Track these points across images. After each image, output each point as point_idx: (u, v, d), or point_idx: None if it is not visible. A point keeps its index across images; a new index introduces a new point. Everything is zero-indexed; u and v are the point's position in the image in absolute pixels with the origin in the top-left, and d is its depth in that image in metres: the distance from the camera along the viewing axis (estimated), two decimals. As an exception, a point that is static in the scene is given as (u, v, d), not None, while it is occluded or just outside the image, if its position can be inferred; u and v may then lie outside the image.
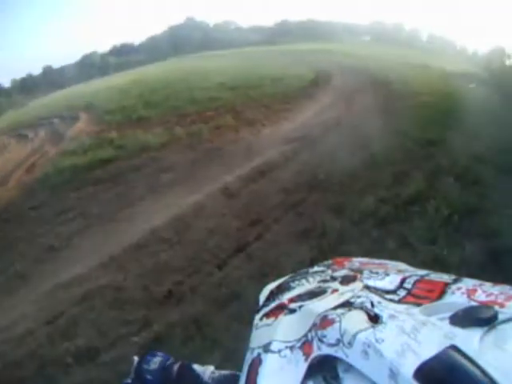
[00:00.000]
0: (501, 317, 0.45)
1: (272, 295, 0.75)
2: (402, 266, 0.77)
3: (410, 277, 0.62)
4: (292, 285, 0.75)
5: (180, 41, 27.08)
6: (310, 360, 0.52)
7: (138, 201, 5.02)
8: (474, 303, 0.49)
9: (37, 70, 29.27)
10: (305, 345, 0.54)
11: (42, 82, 25.83)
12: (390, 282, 0.62)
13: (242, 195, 4.37)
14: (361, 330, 0.49)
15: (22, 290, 4.44)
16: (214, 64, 13.95)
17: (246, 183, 4.59)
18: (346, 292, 0.62)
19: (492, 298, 0.50)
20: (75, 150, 7.66)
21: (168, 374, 1.00)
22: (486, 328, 0.43)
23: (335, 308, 0.57)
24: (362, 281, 0.65)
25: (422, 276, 0.62)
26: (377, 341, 0.46)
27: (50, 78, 26.41)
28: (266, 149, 5.64)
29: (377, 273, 0.68)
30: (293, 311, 0.63)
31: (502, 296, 0.49)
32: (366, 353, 0.45)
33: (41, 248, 4.90)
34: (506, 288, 0.52)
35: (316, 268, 0.84)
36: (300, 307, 0.63)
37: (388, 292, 0.59)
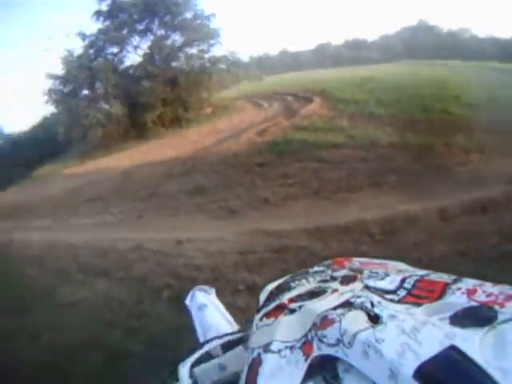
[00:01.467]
0: (501, 317, 0.43)
1: (272, 295, 0.74)
2: (402, 266, 0.74)
3: (410, 277, 0.60)
4: (292, 285, 0.74)
5: (412, 43, 25.75)
6: (309, 360, 0.52)
7: (355, 189, 5.24)
8: (473, 303, 0.48)
9: (273, 52, 32.46)
10: (305, 345, 0.54)
11: (277, 63, 28.10)
12: (390, 282, 0.61)
13: (457, 223, 3.96)
14: (361, 330, 0.48)
15: (229, 221, 5.51)
16: (447, 74, 12.45)
17: (464, 211, 4.15)
18: (346, 292, 0.61)
19: (492, 298, 0.48)
20: (306, 127, 8.17)
21: None
22: (486, 328, 0.42)
23: (335, 308, 0.56)
24: (362, 281, 0.63)
25: (422, 276, 0.60)
26: (377, 341, 0.46)
27: (285, 61, 28.45)
28: (494, 181, 4.99)
29: (377, 273, 0.66)
30: (293, 311, 0.63)
31: (502, 296, 0.47)
32: (366, 353, 0.45)
33: (256, 197, 5.91)
34: (506, 288, 0.50)
35: (316, 268, 0.83)
36: (300, 307, 0.62)
37: (388, 292, 0.58)
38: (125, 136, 14.02)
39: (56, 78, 14.45)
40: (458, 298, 0.51)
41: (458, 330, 0.44)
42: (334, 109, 9.39)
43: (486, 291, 0.50)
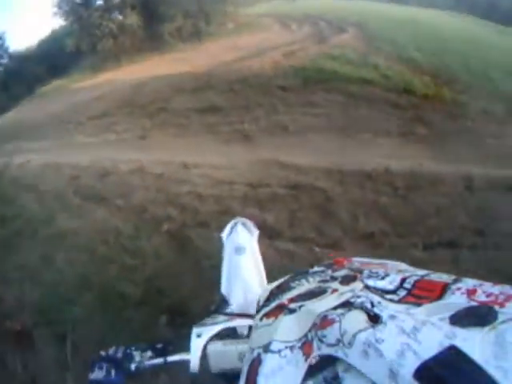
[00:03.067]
0: (501, 317, 0.42)
1: (272, 295, 0.73)
2: (402, 266, 0.71)
3: (410, 277, 0.59)
4: (292, 285, 0.73)
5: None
6: (309, 360, 0.51)
7: (383, 134, 4.85)
8: (473, 303, 0.47)
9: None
10: (305, 345, 0.53)
11: None
12: (389, 282, 0.59)
13: (481, 197, 3.68)
14: (361, 330, 0.47)
15: (242, 146, 5.13)
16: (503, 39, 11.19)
17: (490, 187, 3.81)
18: (345, 292, 0.60)
19: (492, 298, 0.46)
20: (338, 57, 7.62)
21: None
22: (486, 328, 0.41)
23: (335, 308, 0.55)
24: (362, 281, 0.62)
25: (422, 276, 0.58)
26: (377, 341, 0.45)
27: None
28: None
29: (377, 273, 0.64)
30: (293, 311, 0.61)
31: (502, 296, 0.46)
32: (366, 353, 0.44)
33: (275, 123, 5.47)
34: (506, 288, 0.48)
35: (316, 268, 0.81)
36: (300, 307, 0.61)
37: (388, 292, 0.57)
38: (139, 48, 13.37)
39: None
40: (457, 298, 0.49)
41: (458, 330, 0.42)
42: (369, 44, 8.79)
43: (486, 291, 0.48)
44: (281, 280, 0.79)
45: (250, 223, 1.49)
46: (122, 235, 3.65)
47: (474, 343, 0.40)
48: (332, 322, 0.52)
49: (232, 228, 1.45)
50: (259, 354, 0.57)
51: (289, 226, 3.23)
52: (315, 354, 0.51)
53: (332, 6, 15.70)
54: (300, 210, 3.39)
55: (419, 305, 0.51)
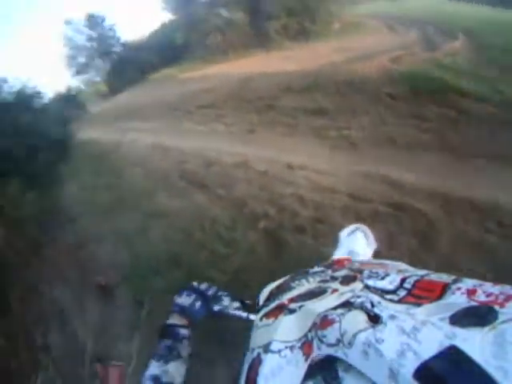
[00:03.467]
0: (501, 317, 0.42)
1: (272, 295, 0.73)
2: (402, 266, 0.72)
3: (410, 277, 0.59)
4: (292, 285, 0.73)
5: None
6: (309, 360, 0.51)
7: (495, 158, 4.21)
8: (474, 303, 0.47)
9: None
10: (305, 345, 0.53)
11: None
12: (389, 282, 0.59)
13: None
14: (361, 330, 0.48)
15: (347, 154, 4.90)
16: None
17: None
18: (346, 292, 0.59)
19: (492, 298, 0.47)
20: (448, 67, 6.81)
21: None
22: (486, 328, 0.41)
23: (335, 308, 0.55)
24: (362, 281, 0.62)
25: (422, 276, 0.58)
26: (377, 341, 0.45)
27: None
28: None
29: (377, 273, 0.64)
30: (293, 311, 0.61)
31: (502, 296, 0.46)
32: (366, 353, 0.45)
33: (382, 134, 5.12)
34: (506, 288, 0.48)
35: (316, 268, 0.81)
36: (300, 307, 0.61)
37: (388, 292, 0.56)
38: (246, 45, 13.70)
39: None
40: (457, 298, 0.49)
41: (458, 330, 0.43)
42: (482, 53, 7.78)
43: (486, 291, 0.48)
44: (281, 280, 0.80)
45: (370, 234, 1.39)
46: (218, 224, 3.80)
47: (474, 343, 0.40)
48: (332, 322, 0.52)
49: (352, 231, 1.37)
50: (259, 354, 0.57)
51: (387, 248, 3.02)
52: (315, 354, 0.51)
53: (438, 8, 14.41)
54: (401, 234, 3.17)
55: (419, 305, 0.51)
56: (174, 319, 0.83)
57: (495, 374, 0.36)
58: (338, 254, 1.27)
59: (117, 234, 4.25)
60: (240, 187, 4.35)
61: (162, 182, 5.13)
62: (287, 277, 0.79)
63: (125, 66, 18.18)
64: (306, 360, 0.51)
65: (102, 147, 8.37)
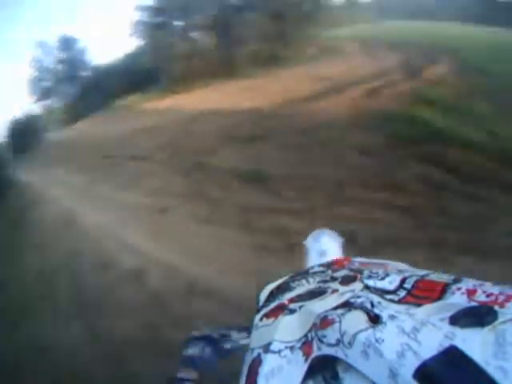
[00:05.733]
0: (501, 317, 0.42)
1: (272, 295, 0.73)
2: (402, 266, 0.71)
3: (410, 277, 0.58)
4: (292, 285, 0.73)
5: None
6: (309, 360, 0.50)
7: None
8: (474, 303, 0.46)
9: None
10: (305, 345, 0.53)
11: (400, 7, 22.16)
12: (389, 282, 0.58)
13: None
14: (361, 330, 0.47)
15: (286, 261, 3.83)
16: None
17: None
18: (346, 292, 0.59)
19: (492, 298, 0.46)
20: (433, 101, 5.79)
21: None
22: (486, 328, 0.41)
23: (335, 308, 0.55)
24: (362, 281, 0.61)
25: (422, 276, 0.57)
26: (377, 341, 0.45)
27: (410, 7, 22.86)
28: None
29: (377, 273, 0.63)
30: (293, 311, 0.61)
31: (502, 296, 0.46)
32: (365, 353, 0.44)
33: (337, 222, 3.92)
34: (506, 288, 0.48)
35: (316, 268, 0.81)
36: (300, 307, 0.61)
37: (388, 292, 0.56)
38: (213, 72, 13.01)
39: (144, 9, 14.15)
40: (457, 298, 0.49)
41: (458, 330, 0.42)
42: (468, 80, 7.16)
43: (485, 291, 0.48)
44: (281, 280, 0.79)
45: (333, 232, 1.36)
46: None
47: (474, 343, 0.40)
48: (332, 322, 0.52)
49: (315, 238, 1.32)
50: (259, 354, 0.56)
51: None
52: (315, 354, 0.50)
53: (420, 30, 13.65)
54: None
55: (419, 305, 0.50)
56: (182, 373, 0.81)
57: (495, 374, 0.36)
58: (312, 261, 1.21)
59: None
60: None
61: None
62: (287, 277, 0.78)
63: (90, 91, 17.61)
64: (306, 360, 0.50)
65: (27, 197, 7.49)
